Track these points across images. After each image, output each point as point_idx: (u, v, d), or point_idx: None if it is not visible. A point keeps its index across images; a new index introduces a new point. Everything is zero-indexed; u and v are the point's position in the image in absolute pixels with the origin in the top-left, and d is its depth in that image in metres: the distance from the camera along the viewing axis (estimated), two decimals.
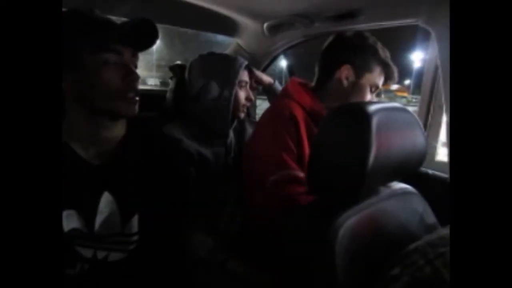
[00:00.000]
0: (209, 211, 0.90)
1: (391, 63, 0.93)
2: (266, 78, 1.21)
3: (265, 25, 1.15)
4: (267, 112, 0.96)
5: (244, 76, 1.00)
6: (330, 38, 0.98)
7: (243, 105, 1.00)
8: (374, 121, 0.49)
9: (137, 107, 0.64)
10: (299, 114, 0.87)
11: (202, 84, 0.95)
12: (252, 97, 1.04)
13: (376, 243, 0.55)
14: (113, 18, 0.64)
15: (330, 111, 0.56)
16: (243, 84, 1.00)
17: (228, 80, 0.94)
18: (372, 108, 0.51)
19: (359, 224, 0.53)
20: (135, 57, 0.64)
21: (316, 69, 0.99)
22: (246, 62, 1.00)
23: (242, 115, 1.02)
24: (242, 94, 0.99)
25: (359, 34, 0.93)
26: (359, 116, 0.51)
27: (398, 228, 0.59)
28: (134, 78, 0.62)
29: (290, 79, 1.03)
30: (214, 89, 0.94)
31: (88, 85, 0.58)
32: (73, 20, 0.59)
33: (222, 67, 0.96)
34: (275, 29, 1.16)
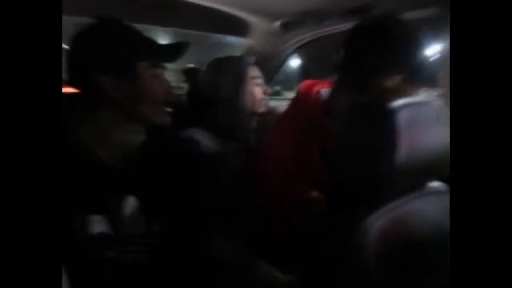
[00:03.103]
0: (231, 213, 0.89)
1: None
2: None
3: (276, 23, 1.14)
4: (280, 118, 0.95)
5: (255, 72, 1.00)
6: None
7: (260, 100, 1.00)
8: (401, 116, 0.47)
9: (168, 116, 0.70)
10: (312, 116, 0.86)
11: (214, 87, 0.96)
12: (269, 91, 1.04)
13: (407, 245, 0.53)
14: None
15: (354, 108, 0.55)
16: (257, 81, 1.00)
17: (239, 78, 0.95)
18: (399, 102, 0.49)
19: (388, 226, 0.51)
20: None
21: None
22: (253, 58, 1.01)
23: (262, 109, 1.02)
24: (257, 90, 0.99)
25: None
26: (384, 113, 0.49)
27: (430, 229, 0.56)
28: (172, 92, 0.69)
29: (303, 81, 1.02)
30: (226, 90, 0.95)
31: (140, 95, 0.63)
32: (132, 38, 0.64)
33: (230, 67, 0.97)
34: (286, 27, 1.15)
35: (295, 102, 0.94)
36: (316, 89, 0.91)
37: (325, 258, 0.53)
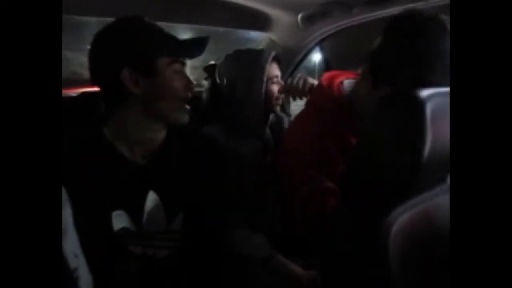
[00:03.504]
0: (251, 209, 0.89)
1: None
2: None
3: (299, 16, 1.12)
4: (301, 112, 0.93)
5: (274, 70, 0.98)
6: None
7: (277, 98, 0.99)
8: (429, 107, 0.45)
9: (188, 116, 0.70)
10: (331, 109, 0.82)
11: (231, 83, 0.95)
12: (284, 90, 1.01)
13: (431, 240, 0.50)
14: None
15: (380, 99, 0.52)
16: (274, 80, 0.98)
17: (256, 76, 0.93)
18: (426, 93, 0.46)
19: (412, 221, 0.49)
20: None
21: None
22: (273, 54, 0.97)
23: (278, 108, 1.01)
24: (274, 88, 0.98)
25: None
26: (412, 102, 0.46)
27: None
28: (192, 87, 0.68)
29: (324, 73, 0.98)
30: (243, 87, 0.94)
31: (160, 91, 0.64)
32: (152, 33, 0.64)
33: (248, 63, 0.95)
34: (310, 20, 1.12)
35: (316, 93, 0.91)
36: (338, 80, 0.87)
37: (345, 254, 0.51)
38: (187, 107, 0.69)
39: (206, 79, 1.23)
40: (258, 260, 0.74)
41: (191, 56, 0.69)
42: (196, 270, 0.70)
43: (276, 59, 1.00)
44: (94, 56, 0.62)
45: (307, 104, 0.94)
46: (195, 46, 0.67)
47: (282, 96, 1.01)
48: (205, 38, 0.67)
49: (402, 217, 0.48)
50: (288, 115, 1.40)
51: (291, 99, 1.54)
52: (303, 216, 0.82)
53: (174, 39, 0.66)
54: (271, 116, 1.03)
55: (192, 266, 0.69)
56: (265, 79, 0.93)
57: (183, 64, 0.67)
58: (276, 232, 0.90)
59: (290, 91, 1.01)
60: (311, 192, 0.78)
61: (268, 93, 0.95)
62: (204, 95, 1.14)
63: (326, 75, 0.91)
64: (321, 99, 0.85)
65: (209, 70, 1.15)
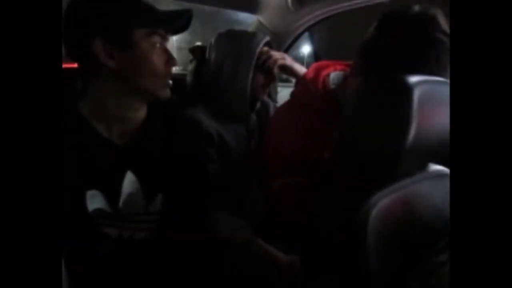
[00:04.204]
0: (232, 192, 0.89)
1: None
2: (299, 68, 1.02)
3: None
4: (285, 103, 0.92)
5: (266, 56, 0.93)
6: None
7: (263, 85, 0.94)
8: (416, 93, 0.45)
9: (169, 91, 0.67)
10: (314, 105, 0.81)
11: (218, 63, 0.91)
12: (275, 78, 0.97)
13: (410, 226, 0.51)
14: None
15: (366, 83, 0.52)
16: (264, 68, 0.93)
17: (244, 57, 0.89)
18: (414, 79, 0.46)
19: (392, 206, 0.50)
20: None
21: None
22: (266, 38, 0.93)
23: (263, 95, 0.98)
24: (261, 76, 0.93)
25: None
26: (399, 88, 0.46)
27: (434, 212, 0.54)
28: (174, 63, 0.65)
29: (314, 63, 0.94)
30: (230, 68, 0.90)
31: (137, 64, 0.60)
32: (128, 2, 0.59)
33: (238, 44, 0.90)
34: (300, 2, 1.10)
35: (300, 86, 0.89)
36: (324, 72, 0.85)
37: (326, 236, 0.52)
38: (170, 82, 0.65)
39: (191, 61, 1.19)
40: (238, 244, 0.75)
41: (173, 29, 0.65)
42: (175, 252, 0.69)
43: (269, 47, 0.95)
44: (66, 25, 0.57)
45: (292, 95, 0.91)
46: (176, 19, 0.63)
47: (270, 84, 0.97)
48: (187, 11, 0.63)
49: (382, 202, 0.48)
50: (275, 101, 1.39)
51: (278, 88, 1.53)
52: (277, 205, 0.83)
53: (152, 10, 0.62)
54: (259, 103, 1.01)
55: (170, 249, 0.68)
56: (253, 63, 0.89)
57: (164, 38, 0.63)
58: (259, 217, 0.90)
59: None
60: (284, 186, 0.78)
61: (255, 80, 0.92)
62: (188, 77, 1.11)
63: (312, 66, 0.89)
64: (305, 93, 0.83)
65: (195, 52, 1.11)
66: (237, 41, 0.92)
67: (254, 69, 0.89)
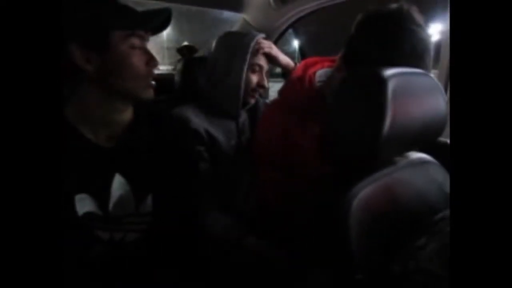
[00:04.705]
0: (223, 190, 0.90)
1: None
2: (283, 59, 1.05)
3: None
4: (273, 102, 0.93)
5: (259, 58, 0.93)
6: None
7: (253, 90, 0.94)
8: (390, 85, 0.46)
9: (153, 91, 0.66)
10: (301, 106, 0.82)
11: (213, 61, 0.92)
12: (266, 84, 0.97)
13: (392, 214, 0.53)
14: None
15: (344, 77, 0.53)
16: (256, 68, 0.93)
17: (238, 54, 0.89)
18: (389, 72, 0.48)
19: (373, 195, 0.51)
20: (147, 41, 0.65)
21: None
22: (260, 35, 0.93)
23: (252, 100, 0.97)
24: (254, 78, 0.93)
25: None
26: (374, 80, 0.48)
27: (415, 198, 0.56)
28: (155, 63, 0.64)
29: (300, 63, 0.94)
30: (224, 63, 0.90)
31: (116, 68, 0.59)
32: (103, 4, 0.59)
33: (233, 42, 0.91)
34: (281, 0, 1.11)
35: (289, 83, 0.89)
36: (311, 70, 0.85)
37: (310, 228, 0.54)
38: (153, 83, 0.64)
39: (179, 60, 1.20)
40: (230, 241, 0.75)
41: (152, 29, 0.64)
42: (167, 252, 0.69)
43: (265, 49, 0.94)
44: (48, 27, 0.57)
45: (279, 94, 0.92)
46: (155, 19, 0.62)
47: (261, 90, 0.97)
48: (165, 9, 0.62)
49: (363, 192, 0.50)
50: (265, 97, 1.40)
51: (269, 83, 1.54)
52: (265, 200, 0.85)
53: (129, 11, 0.61)
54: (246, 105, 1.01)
55: (162, 249, 0.69)
56: (247, 58, 0.89)
57: (143, 38, 0.62)
58: (250, 213, 0.91)
59: None
60: (272, 182, 0.81)
61: (247, 80, 0.91)
62: (176, 76, 1.11)
63: (301, 64, 0.89)
64: (292, 92, 0.84)
65: (183, 51, 1.12)
66: (232, 39, 0.94)
67: (248, 68, 0.90)
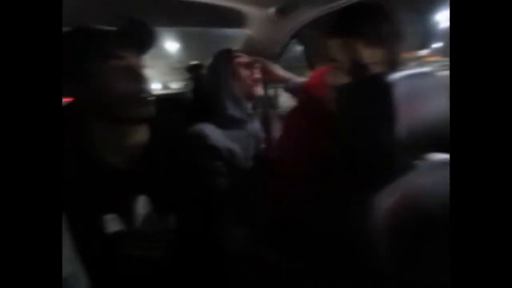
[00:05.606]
0: (240, 203, 0.90)
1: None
2: (280, 74, 1.08)
3: (271, 10, 1.12)
4: (290, 113, 0.95)
5: (242, 56, 1.00)
6: None
7: (254, 80, 0.98)
8: (396, 89, 0.46)
9: (153, 108, 0.64)
10: (317, 114, 0.82)
11: (206, 78, 1.00)
12: (258, 75, 1.01)
13: (415, 222, 0.51)
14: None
15: (350, 85, 0.54)
16: (242, 62, 0.99)
17: (218, 60, 0.98)
18: (393, 76, 0.47)
19: (396, 204, 0.50)
20: (140, 60, 0.64)
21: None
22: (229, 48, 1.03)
23: (259, 91, 1.00)
24: (244, 72, 0.98)
25: None
26: (379, 86, 0.48)
27: (439, 204, 0.54)
28: (141, 79, 0.61)
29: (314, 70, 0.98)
30: (212, 74, 0.98)
31: (102, 94, 0.58)
32: (75, 38, 0.58)
33: (215, 60, 1.00)
34: (282, 12, 1.13)
35: (303, 94, 0.91)
36: (323, 78, 0.85)
37: (333, 242, 0.53)
38: (149, 99, 0.63)
39: (189, 79, 1.23)
40: (247, 255, 0.75)
41: (134, 47, 0.61)
42: (190, 267, 0.70)
43: (253, 52, 1.04)
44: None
45: (296, 104, 0.94)
46: (134, 36, 0.60)
47: (259, 79, 1.00)
48: (143, 24, 0.60)
49: (388, 200, 0.49)
50: (276, 108, 1.42)
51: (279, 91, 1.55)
52: (281, 209, 0.84)
53: (102, 33, 0.58)
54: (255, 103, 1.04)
55: (185, 264, 0.70)
56: (228, 60, 0.97)
57: (122, 57, 0.59)
58: (266, 226, 0.90)
59: None
60: (288, 190, 0.81)
61: (239, 77, 0.96)
62: (189, 94, 1.14)
63: (314, 72, 0.92)
64: (306, 100, 0.86)
65: (192, 70, 1.15)
66: (215, 57, 1.01)
67: (234, 67, 0.96)
